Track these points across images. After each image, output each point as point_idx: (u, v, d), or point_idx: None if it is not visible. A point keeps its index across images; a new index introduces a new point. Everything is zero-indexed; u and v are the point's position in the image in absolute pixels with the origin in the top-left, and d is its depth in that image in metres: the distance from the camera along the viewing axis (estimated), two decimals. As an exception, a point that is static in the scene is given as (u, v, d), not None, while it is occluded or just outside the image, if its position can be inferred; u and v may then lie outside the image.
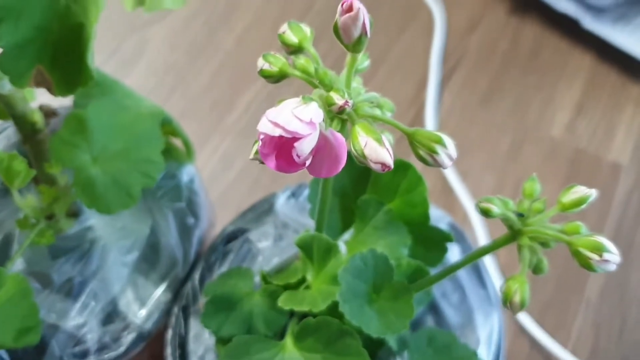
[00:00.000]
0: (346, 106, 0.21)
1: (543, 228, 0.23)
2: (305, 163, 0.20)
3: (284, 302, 0.28)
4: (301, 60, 0.23)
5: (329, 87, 0.22)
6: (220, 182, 0.53)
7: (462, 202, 0.51)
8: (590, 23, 0.58)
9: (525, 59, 0.61)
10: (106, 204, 0.30)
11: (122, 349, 0.32)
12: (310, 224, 0.34)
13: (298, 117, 0.19)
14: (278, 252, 0.33)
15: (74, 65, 0.27)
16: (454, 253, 0.34)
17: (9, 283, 0.29)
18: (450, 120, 0.56)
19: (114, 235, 0.33)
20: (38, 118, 0.32)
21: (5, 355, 0.32)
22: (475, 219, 0.50)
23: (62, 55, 0.27)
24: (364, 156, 0.21)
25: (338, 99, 0.21)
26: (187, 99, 0.58)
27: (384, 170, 0.20)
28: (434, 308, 0.33)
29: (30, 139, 0.33)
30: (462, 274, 0.33)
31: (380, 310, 0.27)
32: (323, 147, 0.20)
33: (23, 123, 0.32)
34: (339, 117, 0.22)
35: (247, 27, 0.62)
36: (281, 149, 0.20)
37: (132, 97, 0.34)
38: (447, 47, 0.60)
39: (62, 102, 0.37)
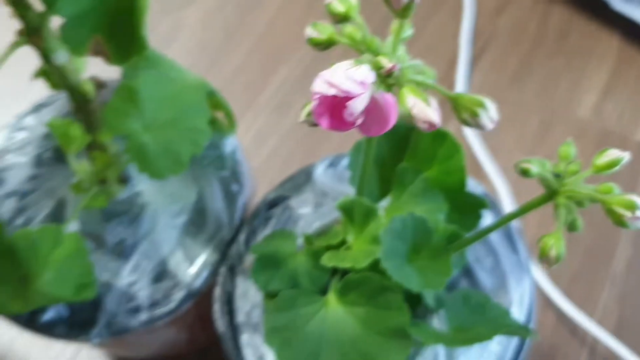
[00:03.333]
0: (394, 69, 0.22)
1: (578, 187, 0.25)
2: (355, 122, 0.21)
3: (328, 259, 0.30)
4: (348, 28, 0.25)
5: (376, 53, 0.23)
6: (254, 159, 0.55)
7: (492, 179, 0.52)
8: (619, 4, 0.58)
9: (554, 40, 0.61)
10: (157, 169, 0.32)
11: (172, 305, 0.34)
12: (348, 192, 0.36)
13: (351, 77, 0.21)
14: (317, 218, 0.35)
15: (129, 35, 0.29)
16: (486, 221, 0.35)
17: (66, 242, 0.31)
18: (479, 99, 0.57)
19: (163, 201, 0.35)
20: (90, 88, 0.34)
21: (64, 310, 0.34)
22: (504, 195, 0.51)
23: (119, 25, 0.29)
24: (411, 116, 0.22)
25: (386, 63, 0.22)
26: (221, 79, 0.60)
27: (430, 130, 0.22)
28: (468, 272, 0.34)
29: (82, 108, 0.35)
30: (495, 240, 0.35)
31: (420, 269, 0.29)
32: (373, 107, 0.22)
33: (75, 93, 0.34)
34: (385, 81, 0.23)
35: (278, 8, 0.63)
36: (334, 108, 0.21)
37: (177, 69, 0.36)
38: (477, 28, 0.61)
39: (110, 75, 0.39)
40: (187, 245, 0.35)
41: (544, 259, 0.25)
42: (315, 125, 0.25)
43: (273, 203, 0.36)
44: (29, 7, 0.30)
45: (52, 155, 0.37)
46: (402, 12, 0.23)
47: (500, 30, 0.62)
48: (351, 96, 0.21)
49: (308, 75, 0.59)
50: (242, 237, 0.35)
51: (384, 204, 0.32)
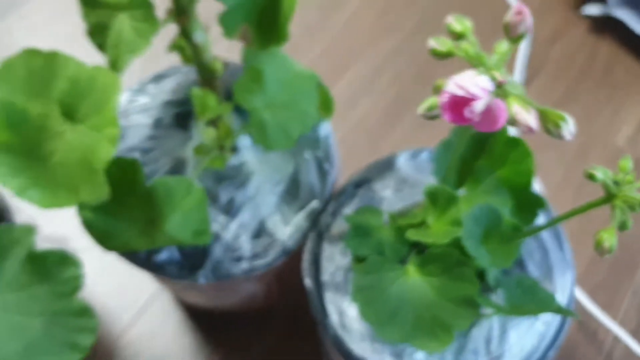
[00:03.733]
0: (504, 82, 0.28)
1: (632, 194, 0.30)
2: (472, 119, 0.27)
3: (412, 234, 0.35)
4: (464, 44, 0.30)
5: (489, 67, 0.29)
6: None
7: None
8: (665, 48, 0.64)
9: (600, 73, 0.67)
10: (271, 142, 0.38)
11: (268, 259, 0.40)
12: (425, 180, 0.42)
13: (477, 84, 0.26)
14: (398, 201, 0.41)
15: (274, 27, 0.35)
16: (539, 219, 0.41)
17: (194, 193, 0.37)
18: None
19: (265, 171, 0.41)
20: (219, 66, 0.40)
21: (176, 254, 0.40)
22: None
23: (266, 18, 0.35)
24: (515, 121, 0.28)
25: (499, 76, 0.28)
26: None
27: (529, 133, 0.28)
28: (520, 263, 0.40)
29: (208, 83, 0.41)
30: (546, 237, 0.40)
31: (491, 250, 0.34)
32: (488, 110, 0.27)
33: (205, 69, 0.40)
34: (496, 91, 0.29)
35: (355, 12, 0.69)
36: (456, 106, 0.27)
37: (289, 61, 0.42)
38: (531, 55, 0.67)
39: (229, 57, 0.45)
40: (283, 210, 0.41)
41: (599, 249, 0.30)
42: (431, 118, 0.31)
43: (358, 183, 0.42)
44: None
45: (171, 121, 0.43)
46: (514, 40, 0.29)
47: (551, 59, 0.68)
48: (475, 98, 0.26)
49: (375, 75, 0.65)
50: (330, 209, 0.41)
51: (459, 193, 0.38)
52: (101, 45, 0.34)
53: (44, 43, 0.34)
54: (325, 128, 0.43)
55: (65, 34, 0.56)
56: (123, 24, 0.32)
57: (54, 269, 0.33)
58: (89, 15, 0.35)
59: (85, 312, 0.33)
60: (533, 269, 0.40)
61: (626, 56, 0.68)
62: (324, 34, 0.68)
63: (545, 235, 0.41)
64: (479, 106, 0.27)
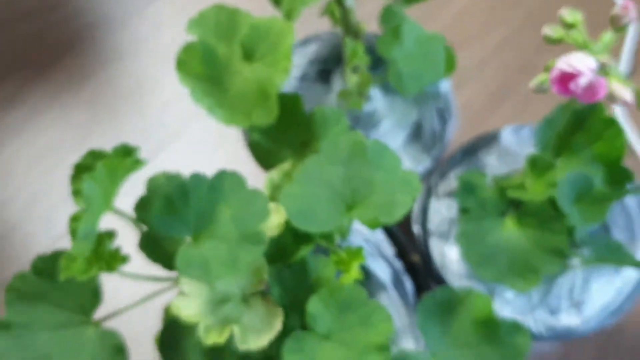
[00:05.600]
0: (607, 64, 0.34)
1: None
2: (576, 91, 0.33)
3: (512, 192, 0.42)
4: (575, 32, 0.36)
5: (594, 52, 0.35)
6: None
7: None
8: None
9: None
10: (406, 87, 0.45)
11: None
12: (525, 152, 0.48)
13: (585, 63, 0.32)
14: (499, 168, 0.47)
15: None
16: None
17: (342, 122, 0.43)
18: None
19: (393, 117, 0.49)
20: (363, 27, 0.47)
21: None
22: None
23: None
24: (614, 96, 0.33)
25: (603, 59, 0.34)
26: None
27: (626, 106, 0.33)
28: (605, 228, 0.45)
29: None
30: (631, 205, 0.46)
31: (581, 210, 0.40)
32: (591, 85, 0.33)
33: (352, 30, 0.47)
34: (599, 71, 0.35)
35: (464, 6, 0.75)
36: (564, 81, 0.33)
37: (418, 26, 0.48)
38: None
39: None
40: (408, 150, 0.48)
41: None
42: (542, 92, 0.37)
43: (466, 152, 0.48)
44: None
45: (314, 76, 0.51)
46: (619, 29, 0.34)
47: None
48: (580, 74, 0.32)
49: (480, 66, 0.71)
50: (439, 171, 0.48)
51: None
52: (277, 2, 0.42)
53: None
54: (446, 84, 0.50)
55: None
56: None
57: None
58: None
59: None
60: (617, 233, 0.45)
61: None
62: (434, 26, 0.74)
63: (631, 203, 0.46)
64: (583, 81, 0.33)
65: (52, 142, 0.69)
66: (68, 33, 0.75)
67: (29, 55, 0.73)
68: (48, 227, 0.64)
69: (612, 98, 0.34)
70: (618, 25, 0.34)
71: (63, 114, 0.70)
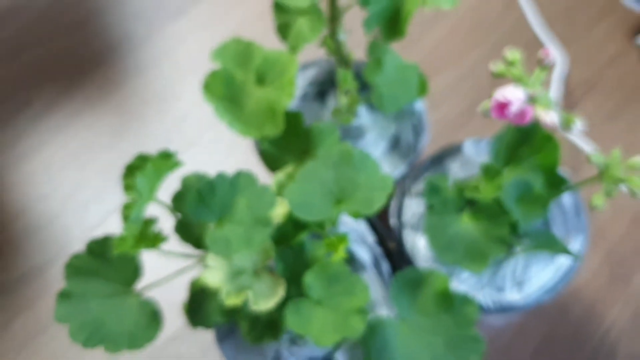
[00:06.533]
0: (535, 95, 0.44)
1: (619, 174, 0.46)
2: (509, 117, 0.44)
3: (470, 192, 0.52)
4: (514, 69, 0.47)
5: (528, 84, 0.46)
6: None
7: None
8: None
9: (646, 93, 0.81)
10: (386, 107, 0.55)
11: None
12: (482, 160, 0.58)
13: (515, 94, 0.43)
14: (461, 174, 0.58)
15: (397, 28, 0.51)
16: (565, 195, 0.56)
17: (335, 134, 0.53)
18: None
19: (375, 130, 0.60)
20: (352, 57, 0.57)
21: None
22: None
23: (392, 21, 0.51)
24: (539, 119, 0.44)
25: (533, 90, 0.44)
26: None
27: (550, 128, 0.44)
28: (546, 223, 0.56)
29: (344, 68, 0.59)
30: (568, 205, 0.56)
31: (522, 208, 0.51)
32: (520, 111, 0.44)
33: (342, 59, 0.57)
34: (530, 99, 0.45)
35: (448, 32, 0.85)
36: (501, 108, 0.44)
37: (396, 55, 0.59)
38: (590, 74, 0.81)
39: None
40: (388, 158, 0.59)
41: (591, 206, 0.46)
42: (487, 116, 0.47)
43: (434, 159, 0.59)
44: (336, 5, 0.53)
45: (313, 96, 0.62)
46: (543, 68, 0.45)
47: (606, 79, 0.82)
48: (512, 103, 0.43)
49: (458, 84, 0.82)
50: (412, 175, 0.58)
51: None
52: (283, 36, 0.52)
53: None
54: (420, 104, 0.61)
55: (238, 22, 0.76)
56: (302, 23, 0.51)
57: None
58: (279, 18, 0.53)
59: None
60: (556, 229, 0.56)
61: (671, 82, 0.81)
62: (417, 50, 0.85)
63: (568, 204, 0.56)
64: (514, 108, 0.43)
65: (84, 144, 0.79)
66: (97, 48, 0.85)
67: (64, 68, 0.84)
68: (82, 219, 0.75)
69: (538, 120, 0.44)
70: (542, 65, 0.45)
71: (94, 119, 0.81)
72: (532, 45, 0.83)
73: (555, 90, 0.80)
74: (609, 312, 0.69)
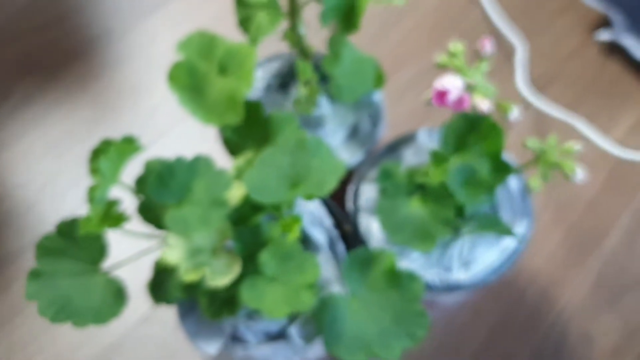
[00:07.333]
0: (473, 84, 0.47)
1: (554, 158, 0.49)
2: (449, 104, 0.47)
3: (418, 177, 0.55)
4: (455, 60, 0.50)
5: (467, 74, 0.49)
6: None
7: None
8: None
9: (604, 86, 0.84)
10: (345, 97, 0.58)
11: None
12: (434, 147, 0.61)
13: (454, 83, 0.46)
14: (415, 161, 0.61)
15: (352, 22, 0.54)
16: (512, 180, 0.60)
17: (293, 122, 0.56)
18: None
19: (335, 120, 0.63)
20: (312, 50, 0.60)
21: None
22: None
23: (347, 15, 0.55)
24: (475, 106, 0.47)
25: (469, 80, 0.47)
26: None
27: (484, 114, 0.47)
28: (494, 208, 0.59)
29: (304, 60, 0.62)
30: (515, 190, 0.59)
31: (466, 192, 0.54)
32: (459, 99, 0.47)
33: (304, 52, 0.60)
34: (468, 88, 0.48)
35: (412, 28, 0.89)
36: (440, 96, 0.47)
37: (355, 49, 0.61)
38: (551, 67, 0.85)
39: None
40: (346, 146, 0.62)
41: (528, 189, 0.50)
42: (429, 104, 0.50)
43: (390, 147, 0.62)
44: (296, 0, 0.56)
45: (276, 87, 0.65)
46: (482, 59, 0.48)
47: (566, 72, 0.85)
48: (450, 92, 0.46)
49: (419, 78, 0.85)
50: (368, 162, 0.61)
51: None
52: (245, 29, 0.55)
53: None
54: (378, 95, 0.64)
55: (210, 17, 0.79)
56: (261, 17, 0.54)
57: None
58: (240, 11, 0.56)
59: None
60: (503, 213, 0.59)
61: (627, 75, 0.84)
62: (384, 44, 0.88)
63: (515, 190, 0.60)
64: (452, 96, 0.46)
65: (62, 134, 0.82)
66: (76, 43, 0.88)
67: (43, 61, 0.87)
68: (59, 206, 0.78)
69: (475, 108, 0.47)
70: (480, 57, 0.48)
71: (72, 110, 0.84)
72: (495, 39, 0.86)
73: (520, 81, 0.83)
74: (562, 293, 0.72)
